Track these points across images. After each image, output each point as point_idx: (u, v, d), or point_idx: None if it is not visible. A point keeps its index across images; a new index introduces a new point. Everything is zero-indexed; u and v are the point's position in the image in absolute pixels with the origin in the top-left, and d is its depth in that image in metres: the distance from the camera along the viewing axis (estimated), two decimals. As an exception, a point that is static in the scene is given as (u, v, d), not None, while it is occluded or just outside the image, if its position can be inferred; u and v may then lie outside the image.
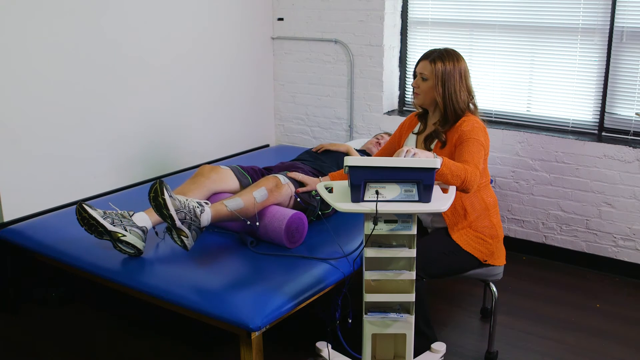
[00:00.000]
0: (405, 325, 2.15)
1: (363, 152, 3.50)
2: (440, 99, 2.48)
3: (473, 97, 2.54)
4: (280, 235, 2.57)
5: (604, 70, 3.46)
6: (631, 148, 3.35)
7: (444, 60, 2.46)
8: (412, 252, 2.09)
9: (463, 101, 2.49)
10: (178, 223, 2.40)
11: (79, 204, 2.46)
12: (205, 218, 2.47)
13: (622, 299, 3.27)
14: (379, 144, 3.55)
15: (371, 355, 2.20)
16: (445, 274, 2.50)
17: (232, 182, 2.87)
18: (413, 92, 2.58)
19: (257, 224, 2.60)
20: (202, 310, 2.23)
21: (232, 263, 2.54)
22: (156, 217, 2.58)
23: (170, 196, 2.39)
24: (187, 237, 2.43)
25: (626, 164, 3.38)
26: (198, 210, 2.45)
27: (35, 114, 3.07)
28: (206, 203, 2.52)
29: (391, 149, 2.76)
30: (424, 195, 2.00)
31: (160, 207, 2.37)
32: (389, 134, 3.68)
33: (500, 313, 3.06)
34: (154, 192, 2.37)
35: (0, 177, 2.97)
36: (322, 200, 2.69)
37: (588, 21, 3.46)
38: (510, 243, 3.70)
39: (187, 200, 2.45)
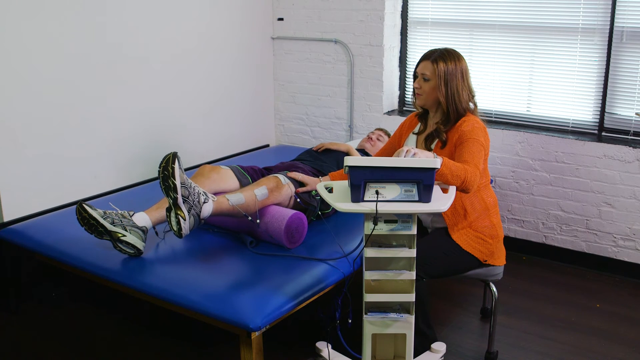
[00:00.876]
0: (405, 325, 2.15)
1: (363, 152, 3.51)
2: (443, 99, 2.47)
3: (474, 96, 2.55)
4: (280, 235, 2.57)
5: (604, 70, 3.46)
6: (631, 148, 3.35)
7: (445, 60, 2.46)
8: (412, 252, 2.09)
9: (465, 101, 2.49)
10: (180, 199, 2.37)
11: (79, 204, 2.46)
12: (207, 209, 2.46)
13: (622, 299, 3.27)
14: (370, 138, 3.55)
15: (371, 355, 2.20)
16: (445, 274, 2.50)
17: (232, 182, 2.87)
18: (414, 93, 2.57)
19: (258, 221, 2.60)
20: (202, 310, 2.22)
21: (232, 263, 2.54)
22: (156, 217, 2.58)
23: (180, 169, 2.38)
24: (185, 219, 2.39)
25: (626, 164, 3.38)
26: (202, 197, 2.44)
27: (35, 114, 3.07)
28: (212, 197, 2.52)
29: (391, 149, 2.76)
30: (424, 195, 1.99)
31: (167, 177, 2.35)
32: (383, 130, 3.66)
33: (500, 313, 3.06)
34: (166, 161, 2.36)
35: (0, 177, 2.97)
36: (322, 200, 2.68)
37: (588, 21, 3.46)
38: (510, 243, 3.70)
39: (194, 184, 2.46)
